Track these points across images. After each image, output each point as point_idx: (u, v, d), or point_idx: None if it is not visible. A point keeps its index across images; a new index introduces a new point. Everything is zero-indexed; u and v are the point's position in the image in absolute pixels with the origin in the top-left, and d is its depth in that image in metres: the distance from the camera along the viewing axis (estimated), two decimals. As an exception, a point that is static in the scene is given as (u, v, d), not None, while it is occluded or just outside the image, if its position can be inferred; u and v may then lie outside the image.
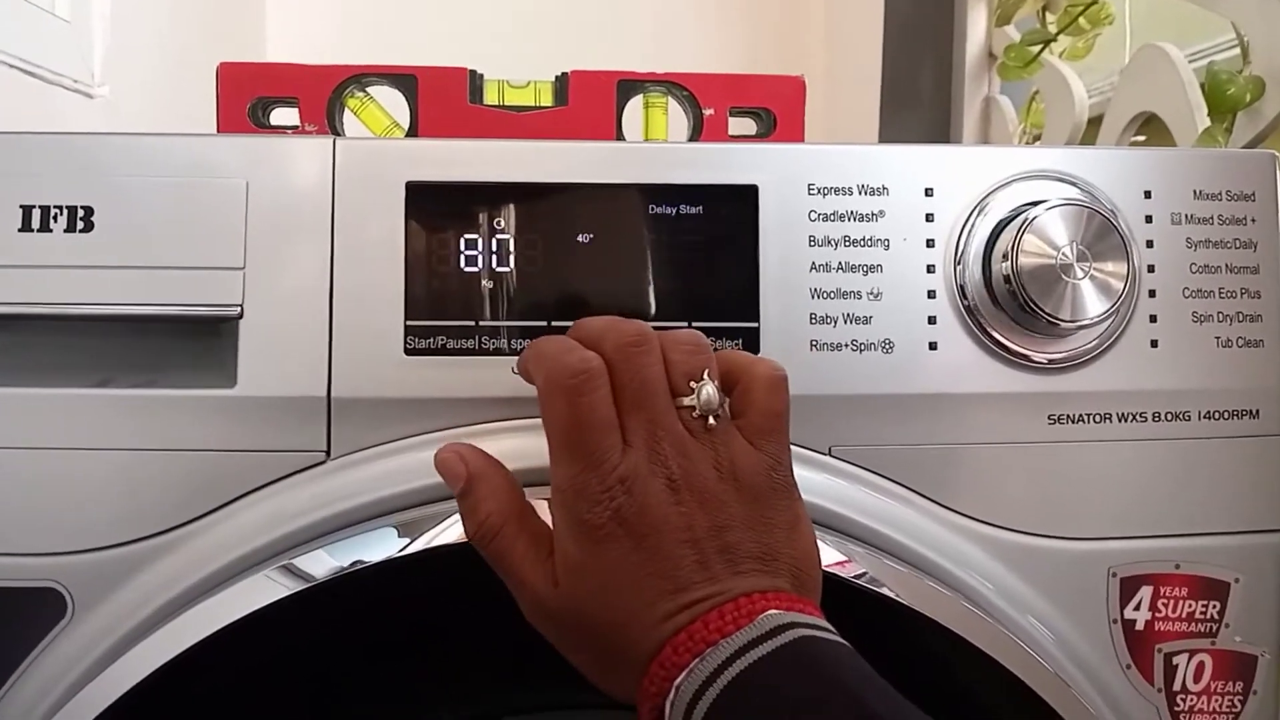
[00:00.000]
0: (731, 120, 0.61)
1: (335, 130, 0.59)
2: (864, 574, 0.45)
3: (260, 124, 0.59)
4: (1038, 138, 1.13)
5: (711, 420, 0.40)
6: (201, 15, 1.24)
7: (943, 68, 1.18)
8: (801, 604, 0.38)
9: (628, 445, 0.39)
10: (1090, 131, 1.03)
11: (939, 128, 1.18)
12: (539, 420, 0.41)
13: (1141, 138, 0.97)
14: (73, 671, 0.44)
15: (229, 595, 0.43)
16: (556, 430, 0.40)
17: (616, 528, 0.38)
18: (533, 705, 0.53)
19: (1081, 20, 1.00)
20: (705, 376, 0.40)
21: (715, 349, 0.44)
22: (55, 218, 0.44)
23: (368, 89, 0.60)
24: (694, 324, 0.46)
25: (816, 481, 0.46)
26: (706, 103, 0.60)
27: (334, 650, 0.50)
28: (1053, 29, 1.05)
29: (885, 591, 0.45)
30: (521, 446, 0.45)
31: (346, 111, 0.60)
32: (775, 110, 0.60)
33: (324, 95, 0.58)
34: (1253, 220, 0.49)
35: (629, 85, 0.60)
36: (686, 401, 0.40)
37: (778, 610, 0.37)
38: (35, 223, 0.44)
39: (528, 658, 0.48)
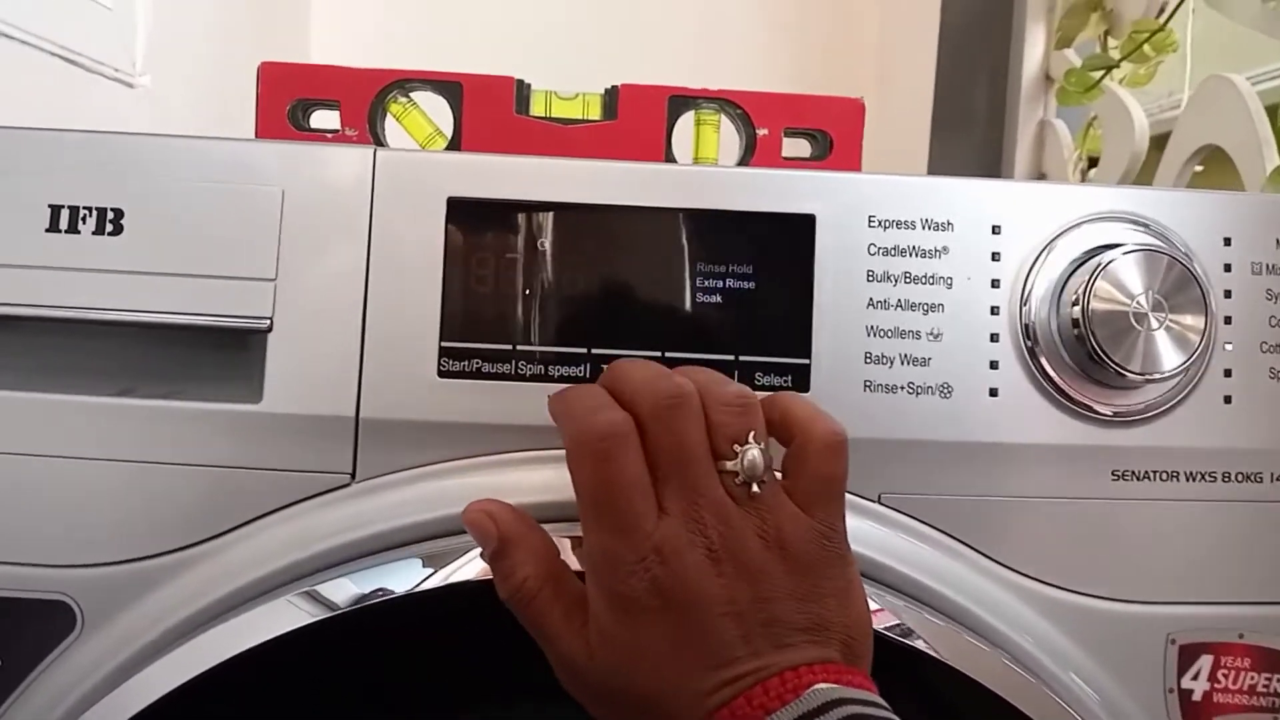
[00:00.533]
0: (786, 141, 0.58)
1: (376, 135, 0.57)
2: (897, 625, 0.43)
3: (300, 126, 0.58)
4: (1094, 163, 1.10)
5: (756, 488, 0.38)
6: (246, 7, 1.23)
7: (997, 89, 1.15)
8: (851, 674, 0.36)
9: (664, 513, 0.37)
10: (1149, 160, 0.99)
11: (991, 151, 1.15)
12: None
13: (1199, 169, 0.94)
14: (81, 687, 0.43)
15: (248, 619, 0.42)
16: (585, 494, 0.38)
17: (653, 599, 0.36)
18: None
19: (1146, 47, 0.97)
20: (750, 439, 0.38)
21: (769, 389, 0.42)
22: (84, 219, 0.43)
23: (411, 94, 0.58)
24: (741, 358, 0.44)
25: (863, 530, 0.44)
26: (760, 122, 0.57)
27: (343, 681, 0.49)
28: (1115, 54, 1.02)
29: (919, 645, 0.43)
30: (557, 478, 0.42)
31: (389, 117, 0.58)
32: (832, 133, 0.58)
33: (366, 99, 0.56)
34: (1338, 272, 0.47)
35: (680, 101, 0.57)
36: (730, 466, 0.38)
37: (826, 684, 0.34)
38: (64, 223, 0.43)
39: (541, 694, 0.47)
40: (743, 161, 0.58)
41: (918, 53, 1.23)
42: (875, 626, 0.42)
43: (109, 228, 0.43)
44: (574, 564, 0.40)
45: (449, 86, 0.57)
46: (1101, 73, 1.00)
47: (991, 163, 1.16)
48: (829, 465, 0.39)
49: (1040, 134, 1.17)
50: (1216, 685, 0.47)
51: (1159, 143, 0.98)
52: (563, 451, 0.42)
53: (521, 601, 0.38)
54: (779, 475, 0.39)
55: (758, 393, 0.40)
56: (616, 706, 0.37)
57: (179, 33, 1.01)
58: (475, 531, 0.39)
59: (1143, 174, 1.00)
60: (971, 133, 1.15)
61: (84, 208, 0.43)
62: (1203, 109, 0.89)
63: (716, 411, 0.38)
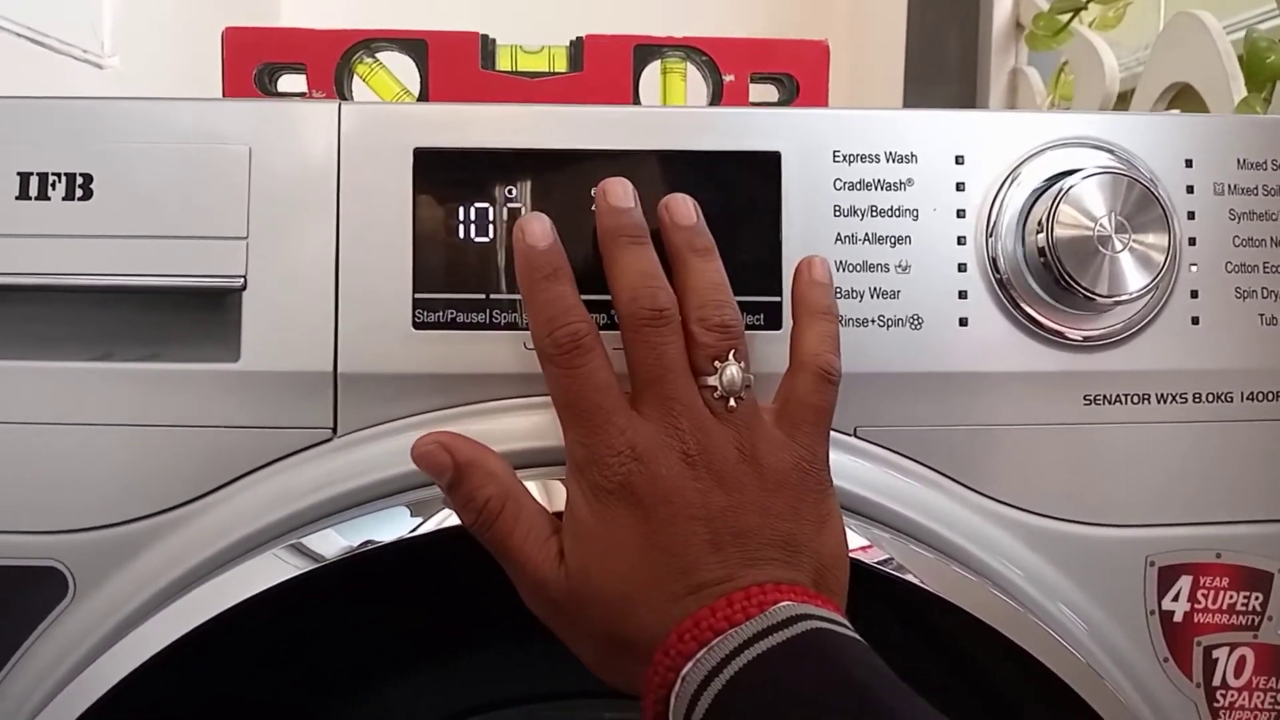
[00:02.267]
0: (752, 87, 0.58)
1: (343, 97, 0.57)
2: (889, 560, 0.44)
3: (267, 91, 0.58)
4: (1067, 110, 1.10)
5: (733, 402, 0.38)
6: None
7: (969, 37, 1.15)
8: (818, 599, 0.36)
9: (642, 416, 0.38)
10: (1121, 105, 1.00)
11: (965, 99, 1.15)
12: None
13: (1175, 111, 0.94)
14: (76, 651, 0.43)
15: (237, 574, 0.42)
16: (556, 396, 0.39)
17: (626, 495, 0.37)
18: (539, 693, 0.52)
19: (1113, -12, 0.97)
20: (730, 357, 0.39)
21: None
22: (54, 185, 0.43)
23: (377, 55, 0.58)
24: (714, 298, 0.44)
25: (841, 463, 0.44)
26: (726, 68, 0.58)
27: (337, 630, 0.49)
28: (1084, -3, 1.02)
29: (910, 578, 0.44)
30: (538, 425, 0.43)
31: (355, 78, 0.58)
32: (798, 76, 0.58)
33: (332, 61, 0.56)
34: (1300, 191, 0.47)
35: (646, 50, 0.57)
36: (709, 381, 0.39)
37: (791, 602, 0.35)
38: (33, 190, 0.43)
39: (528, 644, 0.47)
40: (711, 107, 0.58)
41: (890, 2, 1.23)
42: (867, 560, 0.43)
43: (79, 193, 0.43)
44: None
45: (414, 45, 0.57)
46: (1069, 15, 1.01)
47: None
48: (815, 394, 0.40)
49: (1013, 81, 1.17)
50: (1196, 605, 0.47)
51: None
52: (541, 399, 0.43)
53: (485, 524, 0.39)
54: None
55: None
56: (583, 621, 0.38)
57: (146, 11, 1.00)
58: (428, 463, 0.40)
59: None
60: (945, 82, 1.15)
61: (53, 174, 0.43)
62: (1171, 46, 0.90)
63: (698, 332, 0.39)
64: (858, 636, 0.35)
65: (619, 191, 0.41)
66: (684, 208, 0.42)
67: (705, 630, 0.35)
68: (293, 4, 1.40)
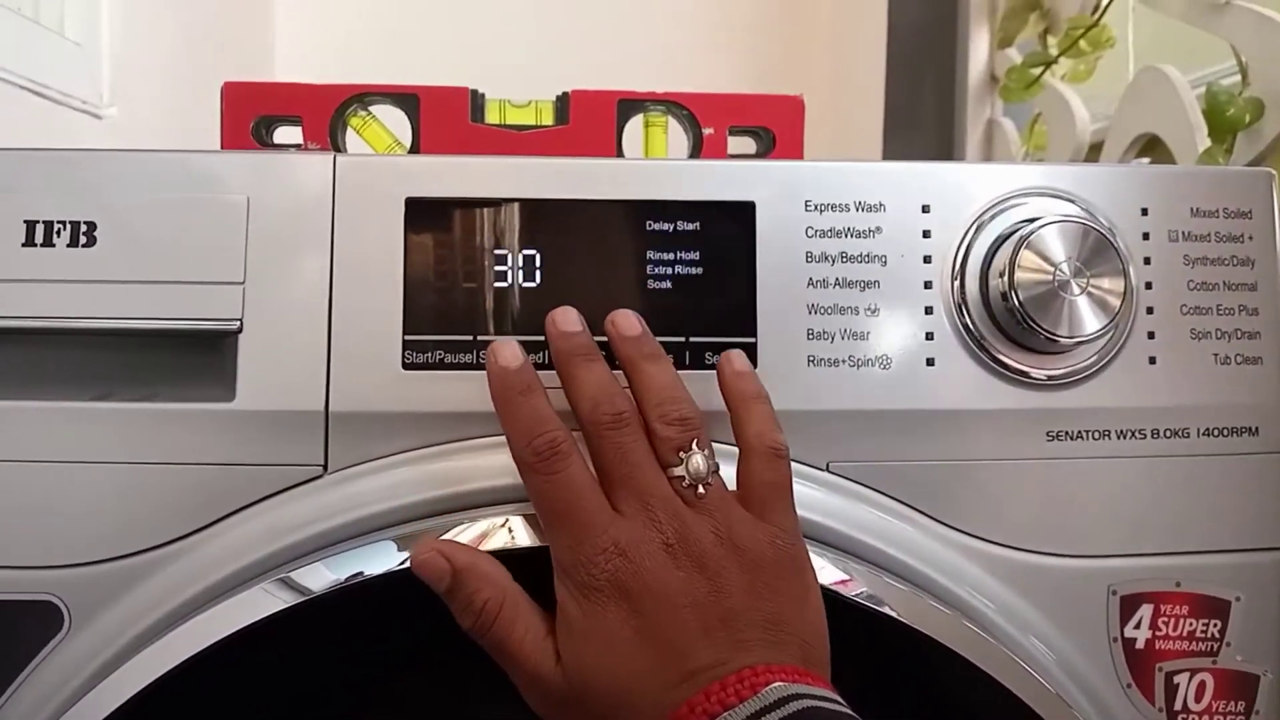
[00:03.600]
0: (731, 139, 0.61)
1: (337, 148, 0.59)
2: (863, 592, 0.45)
3: (264, 142, 0.60)
4: (1040, 160, 1.13)
5: (702, 489, 0.40)
6: (210, 36, 1.25)
7: (945, 89, 1.18)
8: (808, 677, 0.37)
9: (620, 514, 0.40)
10: (1093, 154, 1.03)
11: (942, 149, 1.19)
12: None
13: (1145, 160, 0.97)
14: (69, 685, 0.44)
15: (225, 608, 0.43)
16: (536, 502, 0.41)
17: (615, 591, 0.38)
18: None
19: (1082, 43, 1.01)
20: (694, 446, 0.41)
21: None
22: (59, 233, 0.45)
23: (370, 108, 0.61)
24: (691, 339, 0.46)
25: (815, 497, 0.46)
26: (706, 122, 0.60)
27: (331, 664, 0.50)
28: (1054, 51, 1.06)
29: (886, 610, 0.45)
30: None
31: (349, 130, 0.60)
32: (774, 129, 0.60)
33: (327, 114, 0.59)
34: (1250, 238, 0.49)
35: (629, 105, 0.60)
36: (676, 472, 0.41)
37: (783, 682, 0.36)
38: (39, 238, 0.45)
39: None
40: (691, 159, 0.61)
41: (869, 56, 1.27)
42: (845, 594, 0.44)
43: (82, 240, 0.45)
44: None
45: (406, 99, 0.59)
46: (1041, 69, 1.04)
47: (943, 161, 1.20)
48: (770, 472, 0.42)
49: (989, 132, 1.21)
50: (1158, 633, 0.49)
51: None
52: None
53: (484, 625, 0.40)
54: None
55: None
56: (582, 714, 0.39)
57: (144, 63, 1.03)
58: (427, 571, 0.41)
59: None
60: (923, 133, 1.18)
61: (58, 222, 0.45)
62: (1138, 99, 0.93)
63: (660, 428, 0.41)
64: (849, 711, 0.36)
65: (568, 317, 0.44)
66: (628, 320, 0.44)
67: (700, 715, 0.35)
68: (286, 56, 1.43)
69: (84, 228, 0.45)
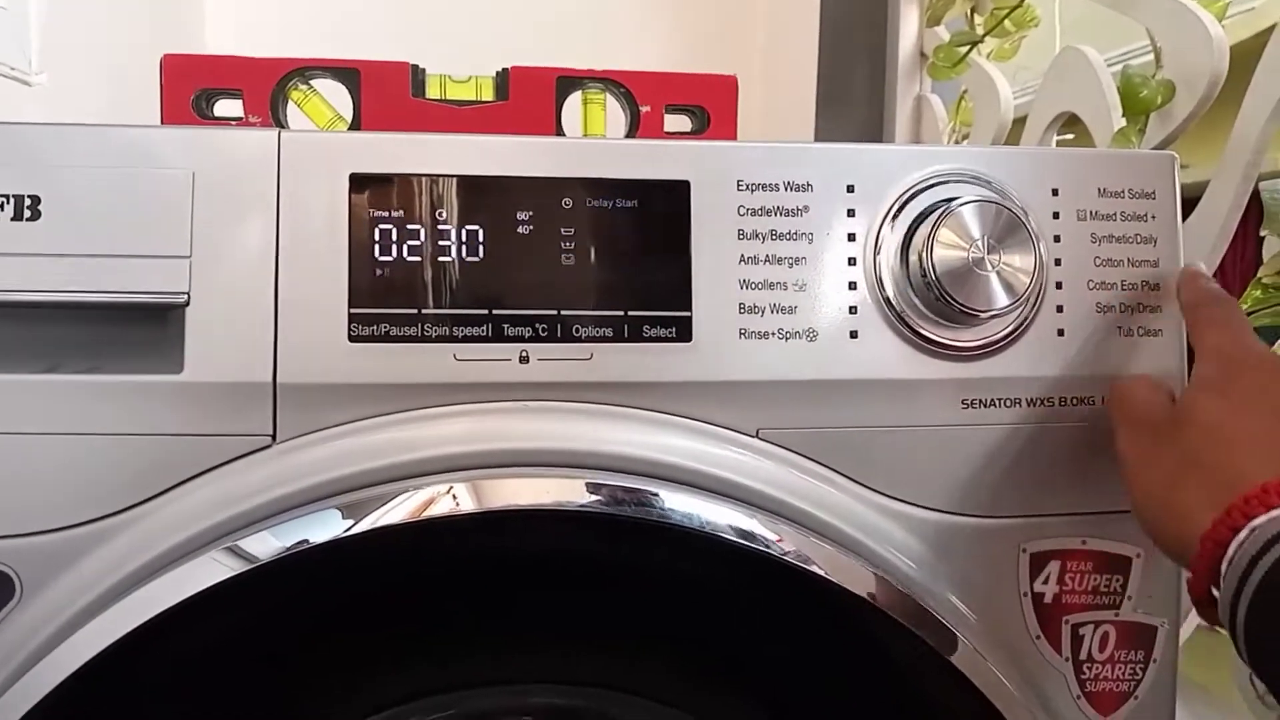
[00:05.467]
0: (667, 117, 0.63)
1: (279, 122, 0.60)
2: (793, 552, 0.47)
3: (204, 115, 0.60)
4: (966, 136, 1.17)
5: None
6: (140, 5, 1.23)
7: (876, 67, 1.21)
8: None
9: None
10: (1016, 130, 1.06)
11: (872, 126, 1.21)
12: (482, 404, 0.45)
13: (1070, 136, 1.01)
14: (20, 654, 0.45)
15: (173, 577, 0.44)
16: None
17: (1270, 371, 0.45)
18: (484, 679, 0.54)
19: (1007, 23, 1.04)
20: None
21: (655, 340, 0.46)
22: (2, 206, 0.45)
23: (311, 82, 0.61)
24: (630, 312, 0.48)
25: (744, 462, 0.49)
26: (643, 100, 0.62)
27: (283, 628, 0.52)
28: (980, 30, 1.09)
29: (814, 569, 0.47)
30: (466, 430, 0.47)
31: (290, 104, 0.61)
32: (709, 108, 0.62)
33: (268, 88, 0.59)
34: (1153, 217, 0.53)
35: (568, 82, 0.61)
36: None
37: None
38: (-19, 211, 0.45)
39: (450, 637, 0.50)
40: (628, 137, 0.62)
41: (802, 35, 1.29)
42: (774, 553, 0.47)
43: (26, 213, 0.45)
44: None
45: (347, 73, 0.60)
46: (967, 48, 1.07)
47: (873, 137, 1.23)
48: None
49: (918, 108, 1.23)
50: (1065, 587, 0.52)
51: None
52: (469, 406, 0.47)
53: None
54: None
55: None
56: (1175, 442, 0.44)
57: (75, 28, 1.01)
58: None
59: (1010, 142, 1.07)
60: (853, 109, 1.21)
61: (2, 195, 0.45)
62: (1059, 78, 0.96)
63: None
64: None
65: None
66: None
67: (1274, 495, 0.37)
68: (217, 25, 1.41)
69: (28, 201, 0.45)
